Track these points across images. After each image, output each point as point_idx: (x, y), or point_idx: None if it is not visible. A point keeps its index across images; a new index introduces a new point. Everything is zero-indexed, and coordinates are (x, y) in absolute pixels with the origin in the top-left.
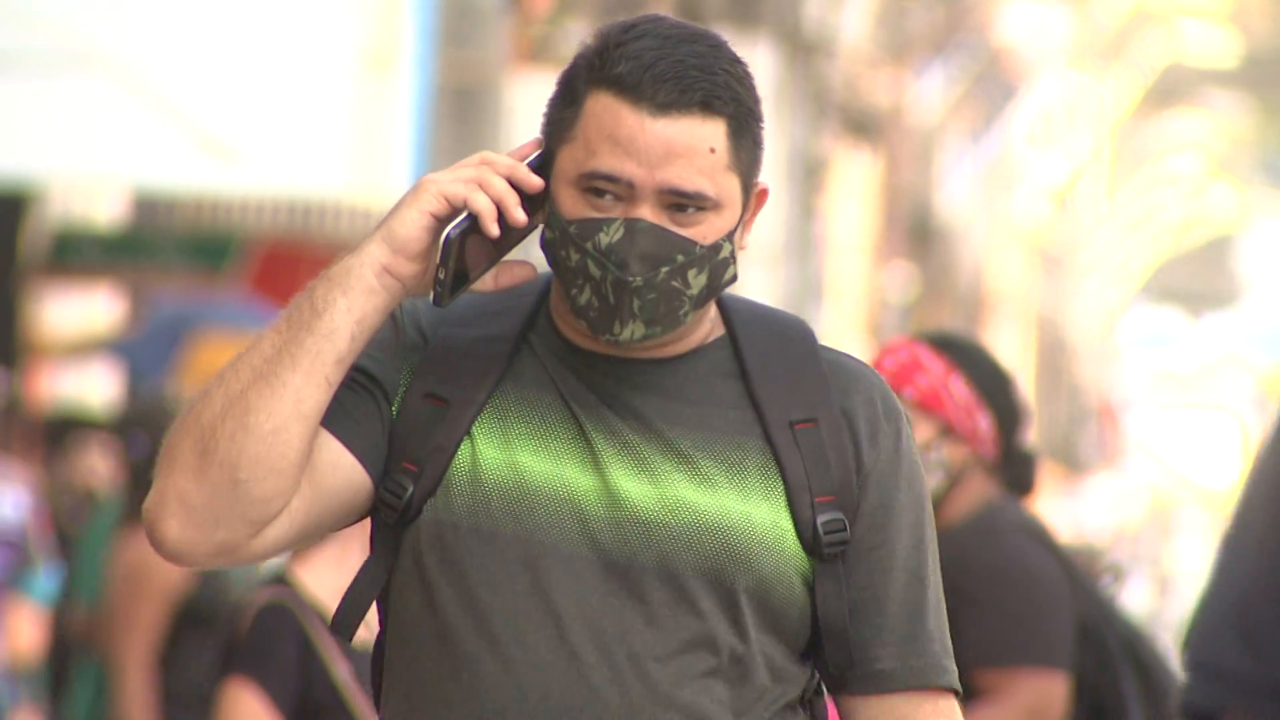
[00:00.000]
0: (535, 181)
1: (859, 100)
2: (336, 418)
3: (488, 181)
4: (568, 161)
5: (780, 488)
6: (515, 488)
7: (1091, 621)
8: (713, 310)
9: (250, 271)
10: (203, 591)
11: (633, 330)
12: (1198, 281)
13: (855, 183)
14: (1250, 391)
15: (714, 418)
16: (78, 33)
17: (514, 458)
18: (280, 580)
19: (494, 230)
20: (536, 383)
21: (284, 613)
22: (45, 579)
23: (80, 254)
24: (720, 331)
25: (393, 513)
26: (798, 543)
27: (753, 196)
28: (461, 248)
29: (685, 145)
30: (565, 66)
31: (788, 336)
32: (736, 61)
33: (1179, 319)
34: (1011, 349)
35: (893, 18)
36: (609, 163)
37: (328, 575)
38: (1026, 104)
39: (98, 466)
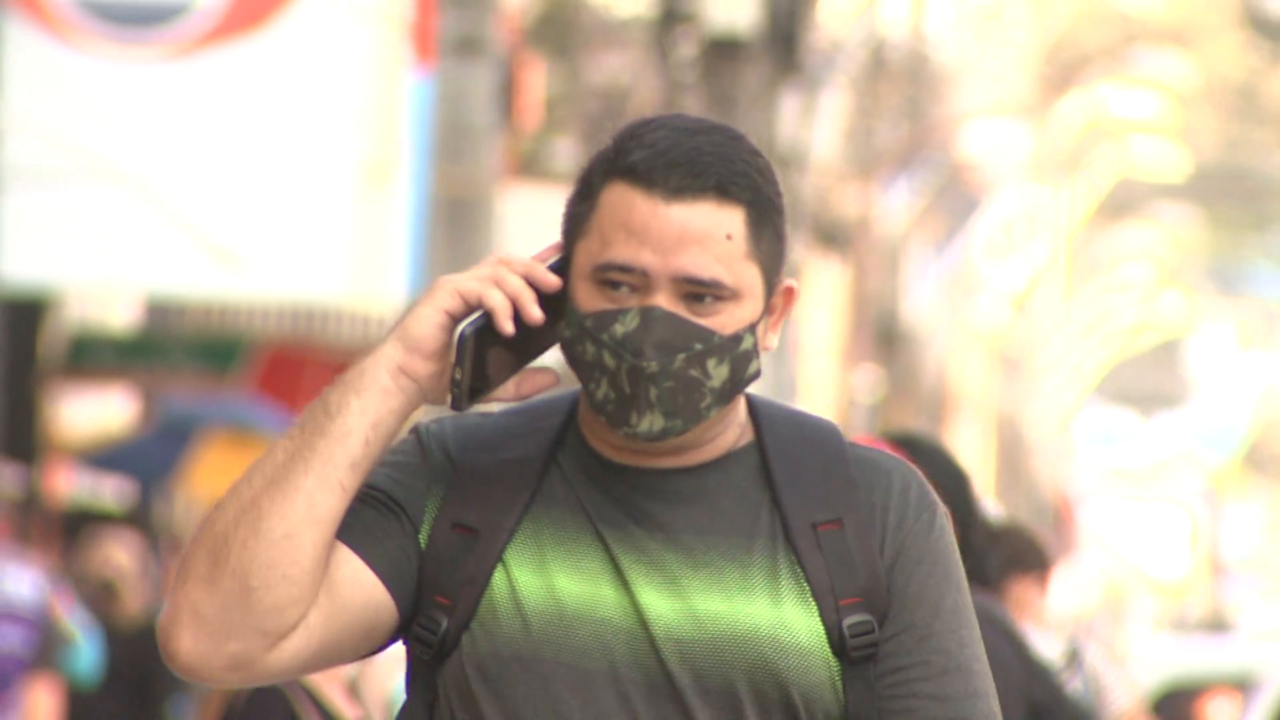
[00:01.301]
0: (552, 280)
1: (829, 212)
2: (356, 534)
3: (503, 279)
4: (583, 256)
5: (809, 592)
6: (554, 613)
7: (1044, 705)
8: (743, 415)
9: (256, 373)
10: None
11: (651, 422)
12: (1149, 383)
13: (826, 290)
14: (1200, 487)
15: (742, 524)
16: (94, 148)
17: (551, 582)
18: None
19: (508, 327)
20: (565, 503)
21: (274, 693)
22: (82, 655)
23: (95, 356)
24: (750, 437)
25: (428, 649)
26: (828, 648)
27: (778, 293)
28: (479, 350)
29: (700, 231)
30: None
31: (816, 439)
32: (757, 154)
33: (1131, 418)
34: (973, 446)
35: (860, 135)
36: (623, 252)
37: None
38: (987, 215)
39: (113, 557)
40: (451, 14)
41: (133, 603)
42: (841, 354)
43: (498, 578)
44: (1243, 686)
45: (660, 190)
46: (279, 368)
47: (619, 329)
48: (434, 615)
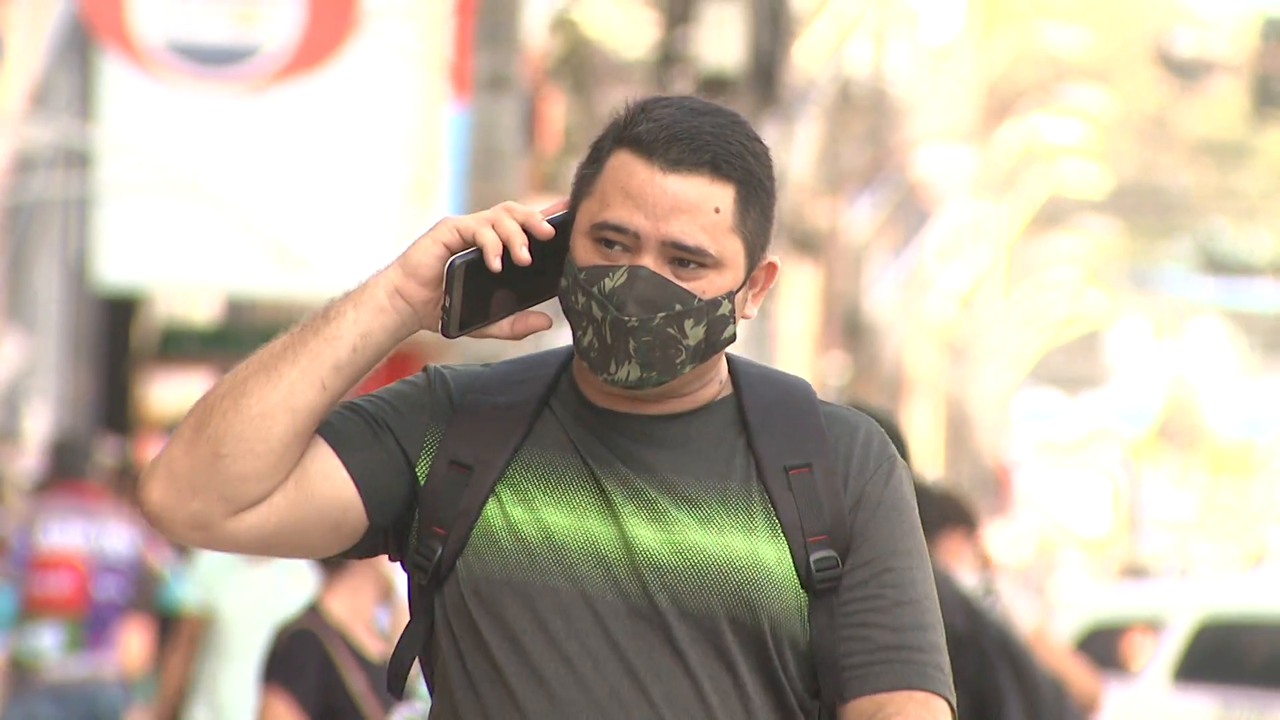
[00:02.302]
0: (546, 229)
1: (803, 223)
2: (340, 439)
3: (500, 221)
4: (584, 214)
5: (780, 529)
6: (542, 542)
7: (968, 629)
8: (724, 372)
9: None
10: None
11: (628, 371)
12: (1074, 367)
13: (800, 289)
14: (1119, 456)
15: (719, 467)
16: (179, 168)
17: (539, 514)
18: (310, 608)
19: (495, 264)
20: (556, 443)
21: (309, 636)
22: (171, 591)
23: (181, 346)
24: (729, 391)
25: (424, 574)
26: (797, 580)
27: (760, 267)
28: (479, 287)
29: (691, 202)
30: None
31: (790, 394)
32: (755, 139)
33: (1060, 398)
34: (925, 421)
35: (830, 157)
36: (619, 214)
37: (346, 603)
38: (937, 226)
39: None
40: (484, 56)
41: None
42: (814, 343)
43: (490, 510)
44: (1156, 625)
45: (659, 161)
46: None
47: (608, 283)
48: (430, 544)
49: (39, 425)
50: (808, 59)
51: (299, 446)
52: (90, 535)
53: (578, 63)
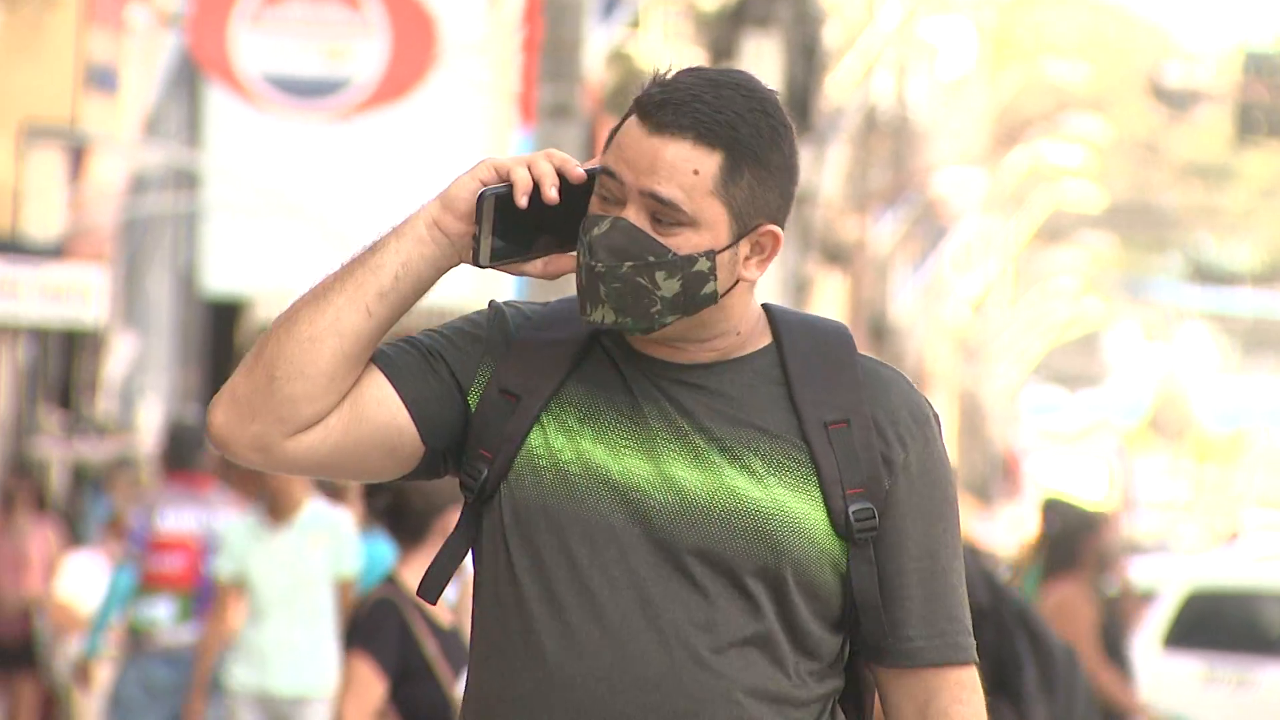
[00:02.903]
0: (578, 173)
1: (834, 236)
2: (395, 367)
3: (535, 162)
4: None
5: (815, 481)
6: (581, 473)
7: (990, 602)
8: (759, 321)
9: None
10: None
11: (603, 314)
12: (1075, 366)
13: (831, 296)
14: (1114, 445)
15: (757, 417)
16: (276, 188)
17: (579, 445)
18: (389, 579)
19: (522, 201)
20: (605, 380)
21: (389, 605)
22: None
23: None
24: (766, 340)
25: (470, 493)
26: (830, 531)
27: (755, 233)
28: (514, 221)
29: (669, 162)
30: None
31: (828, 343)
32: (759, 112)
33: (1062, 393)
34: (942, 413)
35: (857, 178)
36: (608, 162)
37: (419, 574)
38: (953, 240)
39: None
40: (548, 87)
41: None
42: None
43: (534, 438)
44: (1148, 596)
45: (649, 123)
46: None
47: (595, 231)
48: (477, 465)
49: (151, 417)
50: (838, 90)
51: (348, 370)
52: (201, 520)
53: (631, 93)
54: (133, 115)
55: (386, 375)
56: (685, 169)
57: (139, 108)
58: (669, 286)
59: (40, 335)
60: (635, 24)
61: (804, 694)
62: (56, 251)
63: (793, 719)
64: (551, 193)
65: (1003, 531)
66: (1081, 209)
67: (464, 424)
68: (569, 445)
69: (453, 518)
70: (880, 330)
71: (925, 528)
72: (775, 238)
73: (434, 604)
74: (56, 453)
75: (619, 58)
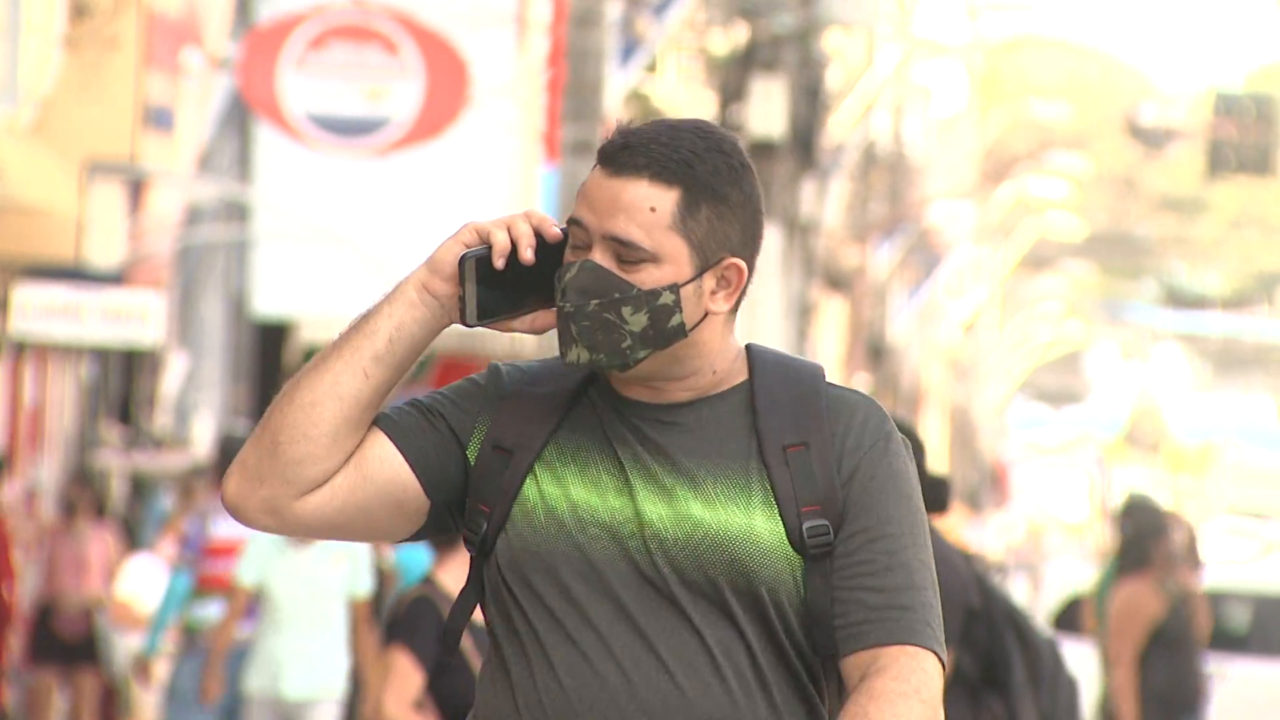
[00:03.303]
0: (554, 232)
1: (836, 264)
2: (396, 428)
3: (514, 225)
4: None
5: (773, 501)
6: (568, 515)
7: (981, 603)
8: (741, 359)
9: (434, 376)
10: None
11: (578, 354)
12: (1058, 384)
13: (833, 319)
14: (1095, 457)
15: (725, 446)
16: (319, 218)
17: (567, 490)
18: (425, 580)
19: (499, 263)
20: (588, 427)
21: (427, 602)
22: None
23: None
24: (744, 377)
25: (473, 547)
26: (788, 548)
27: (719, 266)
28: (498, 281)
29: (627, 202)
30: None
31: (799, 379)
32: (716, 151)
33: (1046, 409)
34: (936, 428)
35: (857, 210)
36: (577, 212)
37: (454, 576)
38: (946, 267)
39: None
40: (571, 126)
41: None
42: (843, 364)
43: (527, 488)
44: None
45: (608, 166)
46: (450, 371)
47: (567, 275)
48: (477, 520)
49: (204, 431)
50: (839, 128)
51: (350, 431)
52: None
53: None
54: (188, 152)
55: (388, 435)
56: (643, 207)
57: (193, 145)
58: (636, 321)
59: (102, 355)
60: (652, 67)
61: (797, 709)
62: (117, 278)
63: None
64: (528, 254)
65: (992, 537)
66: (1064, 239)
67: (464, 477)
68: (558, 491)
69: None
70: (878, 350)
71: (891, 527)
72: (740, 270)
73: (453, 656)
74: (116, 463)
75: (637, 98)
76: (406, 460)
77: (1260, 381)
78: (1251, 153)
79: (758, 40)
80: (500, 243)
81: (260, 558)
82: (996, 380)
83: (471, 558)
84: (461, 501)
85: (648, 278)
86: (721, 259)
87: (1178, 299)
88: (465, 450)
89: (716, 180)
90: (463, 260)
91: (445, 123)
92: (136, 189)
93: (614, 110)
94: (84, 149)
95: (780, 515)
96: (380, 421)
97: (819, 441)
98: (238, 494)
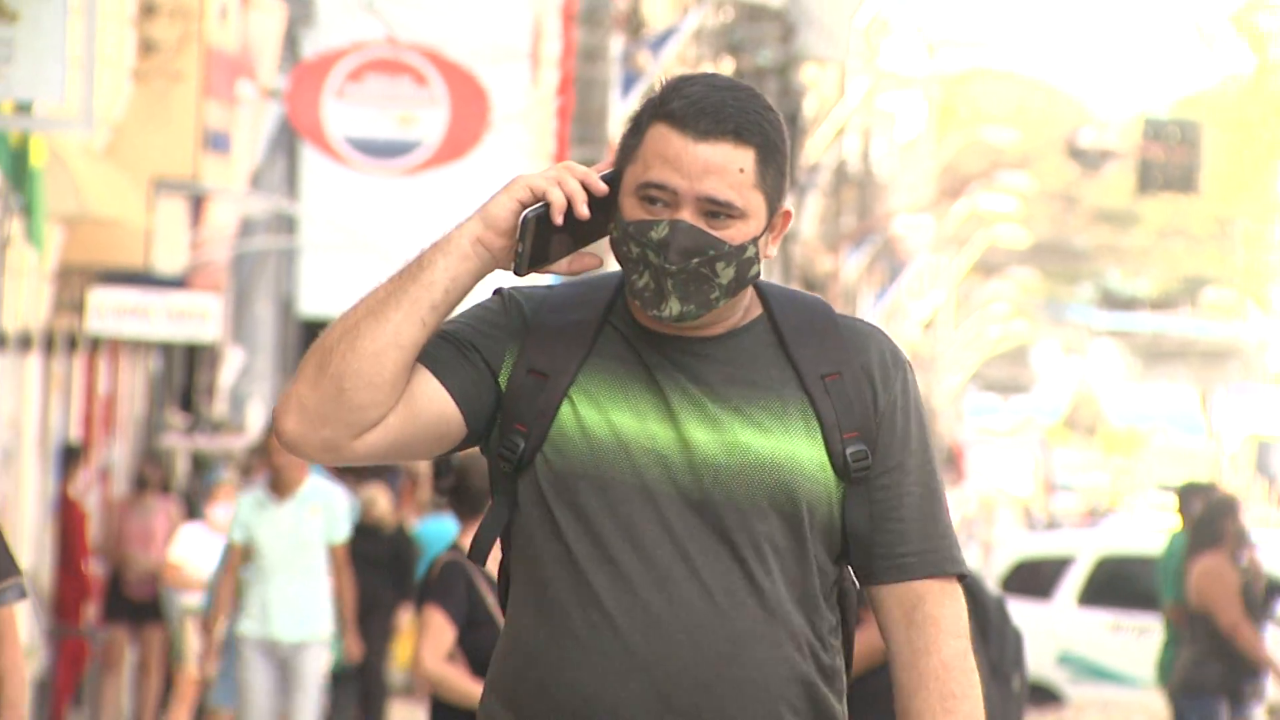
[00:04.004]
0: (601, 187)
1: (811, 269)
2: (439, 365)
3: (564, 181)
4: (630, 177)
5: (818, 428)
6: (612, 440)
7: None
8: (749, 295)
9: None
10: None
11: (672, 307)
12: (1006, 376)
13: None
14: (1038, 440)
15: (760, 377)
16: (358, 231)
17: (608, 416)
18: (453, 546)
19: (559, 219)
20: (621, 355)
21: (457, 566)
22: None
23: None
24: (759, 311)
25: (508, 465)
26: (830, 472)
27: (778, 216)
28: (540, 232)
29: (719, 165)
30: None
31: (813, 309)
32: (770, 110)
33: (996, 398)
34: None
35: (830, 222)
36: (661, 175)
37: None
38: (908, 272)
39: (370, 490)
40: (578, 149)
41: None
42: None
43: (564, 411)
44: (1065, 562)
45: (692, 132)
46: None
47: (654, 235)
48: (513, 439)
49: (256, 417)
50: (814, 150)
51: (406, 375)
52: None
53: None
54: (242, 171)
55: (433, 372)
56: (732, 169)
57: (247, 165)
58: (726, 274)
59: (167, 350)
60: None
61: (821, 625)
62: (180, 282)
63: (814, 648)
64: (584, 210)
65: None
66: (1011, 247)
67: (496, 404)
68: (598, 415)
69: None
70: None
71: (917, 457)
72: (788, 217)
73: (484, 565)
74: (179, 445)
75: None
76: (452, 396)
77: (1184, 373)
78: (1177, 172)
79: (743, 72)
80: (558, 200)
81: (245, 516)
82: (952, 372)
83: (503, 474)
84: (491, 426)
85: (736, 233)
86: (779, 209)
87: (1111, 301)
88: (497, 379)
89: (778, 137)
90: (525, 220)
91: (468, 146)
92: (197, 204)
93: (617, 135)
94: (151, 169)
95: (824, 441)
96: (423, 358)
97: (850, 371)
98: (298, 433)
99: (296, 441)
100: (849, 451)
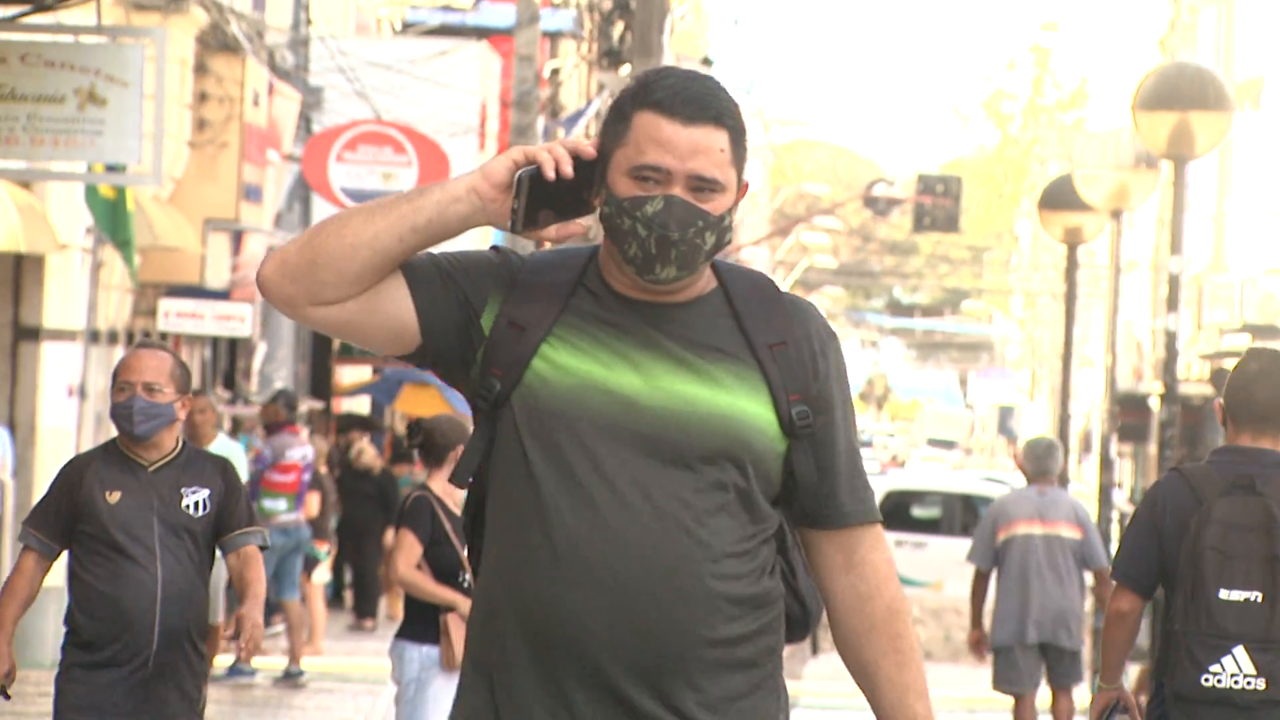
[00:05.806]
0: (589, 151)
1: None
2: (416, 280)
3: (553, 149)
4: (622, 159)
5: (765, 390)
6: (581, 385)
7: None
8: (707, 269)
9: None
10: None
11: (668, 272)
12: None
13: None
14: None
15: (719, 341)
16: None
17: (579, 364)
18: (422, 485)
19: (550, 174)
20: (593, 313)
21: (424, 499)
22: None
23: (355, 350)
24: (714, 284)
25: (486, 403)
26: (777, 428)
27: (742, 187)
28: (535, 200)
29: (705, 145)
30: (612, 102)
31: (761, 285)
32: (732, 98)
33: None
34: None
35: None
36: (654, 157)
37: (440, 483)
38: None
39: (365, 448)
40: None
41: (373, 461)
42: None
43: (538, 359)
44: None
45: (680, 117)
46: None
47: (649, 209)
48: (490, 381)
49: None
50: None
51: (373, 277)
52: (304, 454)
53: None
54: (270, 214)
55: (409, 284)
56: (715, 149)
57: (273, 210)
58: (709, 241)
59: (214, 343)
60: None
61: (757, 552)
62: (225, 294)
63: (751, 571)
64: (568, 169)
65: None
66: (824, 269)
67: (461, 334)
68: (572, 362)
69: (461, 449)
70: None
71: (845, 419)
72: (746, 187)
73: (464, 487)
74: (224, 412)
75: None
76: (415, 306)
77: (947, 361)
78: (943, 215)
79: None
80: (548, 160)
81: None
82: None
83: (481, 411)
84: (450, 354)
85: (718, 205)
86: (744, 182)
87: (896, 308)
88: (480, 318)
89: (741, 119)
90: (520, 177)
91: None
92: (237, 238)
93: None
94: (204, 213)
95: (773, 402)
96: (405, 268)
97: (793, 340)
98: (270, 280)
99: (267, 286)
100: (794, 411)
